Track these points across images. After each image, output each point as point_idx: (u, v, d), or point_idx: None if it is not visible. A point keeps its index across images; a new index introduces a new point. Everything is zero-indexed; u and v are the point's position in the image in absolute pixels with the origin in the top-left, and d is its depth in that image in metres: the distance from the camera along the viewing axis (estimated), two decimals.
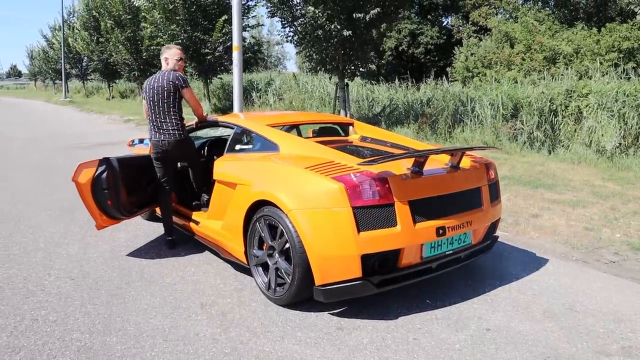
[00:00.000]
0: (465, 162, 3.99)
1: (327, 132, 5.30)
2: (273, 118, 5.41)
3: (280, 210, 3.53)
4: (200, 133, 6.00)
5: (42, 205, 6.59)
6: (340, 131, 5.44)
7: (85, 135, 14.90)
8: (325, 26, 12.45)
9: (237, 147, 4.57)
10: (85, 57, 41.67)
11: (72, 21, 44.59)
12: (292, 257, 3.49)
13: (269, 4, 13.89)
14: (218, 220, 4.35)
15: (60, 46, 41.78)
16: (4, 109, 30.76)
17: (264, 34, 56.93)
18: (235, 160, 4.40)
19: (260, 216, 3.75)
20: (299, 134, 5.49)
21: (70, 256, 4.71)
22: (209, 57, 21.45)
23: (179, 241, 5.07)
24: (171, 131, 4.63)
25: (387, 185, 3.36)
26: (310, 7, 12.30)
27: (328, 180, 3.37)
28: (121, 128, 17.12)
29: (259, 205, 3.78)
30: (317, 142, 4.41)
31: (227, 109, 22.34)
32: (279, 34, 14.96)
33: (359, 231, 3.26)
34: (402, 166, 3.65)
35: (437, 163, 3.98)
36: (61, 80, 46.08)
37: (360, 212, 3.28)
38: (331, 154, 3.89)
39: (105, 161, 4.37)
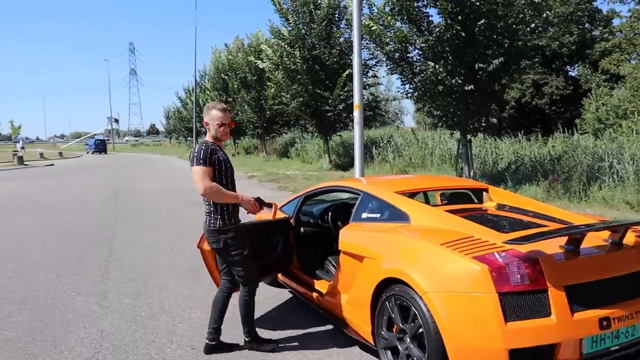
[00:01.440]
0: (630, 238, 3.40)
1: (459, 199, 4.86)
2: (400, 184, 5.09)
3: (414, 290, 3.17)
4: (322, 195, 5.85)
5: (169, 263, 6.77)
6: (474, 197, 4.95)
7: None
8: (446, 81, 12.21)
9: (364, 215, 4.27)
10: None
11: (204, 83, 48.07)
12: (427, 344, 3.10)
13: (388, 62, 13.94)
14: (343, 294, 4.06)
15: (193, 106, 44.88)
16: (141, 164, 33.33)
17: (381, 90, 57.53)
18: (362, 231, 4.09)
19: (391, 295, 3.40)
20: (426, 200, 5.17)
21: (193, 322, 4.69)
22: (329, 115, 21.89)
23: (300, 309, 4.90)
24: (205, 215, 3.94)
25: (538, 268, 2.92)
26: (430, 62, 12.15)
27: (468, 260, 2.99)
28: (244, 185, 17.68)
29: (388, 282, 3.43)
30: (448, 210, 4.05)
31: (346, 166, 22.49)
32: (397, 90, 14.90)
33: (506, 321, 2.82)
34: (554, 244, 3.14)
35: (594, 239, 3.38)
36: (192, 137, 49.29)
37: (508, 298, 2.86)
38: (469, 227, 3.50)
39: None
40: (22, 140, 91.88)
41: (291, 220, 5.01)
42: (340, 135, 25.14)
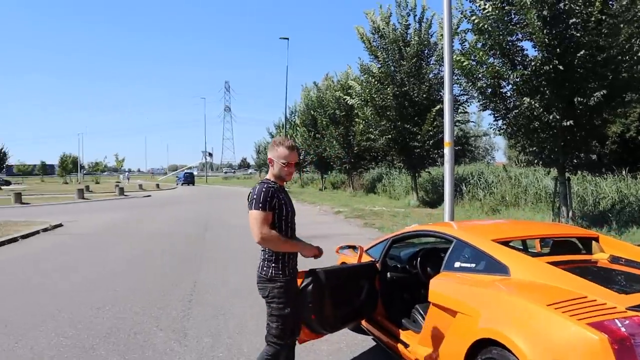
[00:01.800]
0: None
1: (564, 248, 4.16)
2: (497, 230, 4.54)
3: (515, 357, 2.74)
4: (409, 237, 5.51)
5: (250, 302, 6.66)
6: (580, 246, 4.33)
7: (298, 226, 15.47)
8: (542, 117, 11.59)
9: (457, 264, 3.88)
10: (303, 151, 45.20)
11: (293, 119, 49.19)
12: None
13: (480, 97, 13.51)
14: (432, 349, 3.69)
15: None
16: (231, 196, 34.22)
17: (470, 126, 56.31)
18: (455, 282, 3.68)
19: (487, 358, 2.99)
20: (524, 246, 4.73)
21: None
22: (417, 151, 21.52)
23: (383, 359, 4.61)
24: (259, 260, 3.60)
25: None
26: (525, 98, 11.60)
27: (583, 327, 2.53)
28: (330, 220, 17.62)
29: (484, 343, 3.03)
30: (553, 262, 3.54)
31: (434, 203, 21.92)
32: (489, 126, 14.33)
33: None
34: None
35: None
36: None
37: None
38: (580, 284, 3.01)
39: (312, 273, 4.04)
40: (127, 172, 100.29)
41: (377, 265, 4.75)
42: (429, 172, 24.63)
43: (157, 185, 59.19)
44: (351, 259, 5.16)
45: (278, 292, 3.46)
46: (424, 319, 4.02)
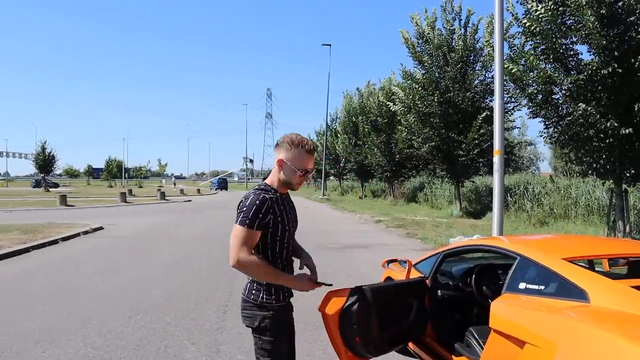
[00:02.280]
0: None
1: None
2: (567, 247, 3.93)
3: None
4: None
5: None
6: None
7: (336, 235, 15.20)
8: (598, 124, 10.93)
9: (522, 285, 3.33)
10: (343, 159, 44.97)
11: (334, 126, 48.97)
12: None
13: (530, 104, 12.91)
14: None
15: (323, 148, 45.70)
16: None
17: (514, 134, 55.01)
18: (522, 306, 3.10)
19: None
20: (591, 267, 4.16)
21: None
22: (461, 159, 20.90)
23: None
24: (247, 281, 2.83)
25: None
26: (580, 104, 10.96)
27: None
28: (371, 229, 17.20)
29: None
30: (635, 286, 2.95)
31: (477, 213, 21.25)
32: (540, 134, 13.67)
33: None
34: None
35: None
36: (321, 179, 50.10)
37: None
38: None
39: (358, 291, 3.61)
40: (174, 177, 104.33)
41: (427, 281, 4.33)
42: (473, 181, 23.94)
43: (198, 190, 59.85)
44: (398, 274, 4.76)
45: (270, 322, 2.72)
46: (479, 344, 3.57)
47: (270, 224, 2.65)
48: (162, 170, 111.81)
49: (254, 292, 2.73)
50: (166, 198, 39.72)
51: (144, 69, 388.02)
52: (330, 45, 42.45)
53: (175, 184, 68.76)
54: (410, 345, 4.44)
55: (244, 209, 2.61)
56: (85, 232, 15.14)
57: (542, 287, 3.19)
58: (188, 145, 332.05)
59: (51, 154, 68.79)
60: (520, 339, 2.86)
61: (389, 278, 5.15)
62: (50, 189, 59.19)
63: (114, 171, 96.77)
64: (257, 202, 2.61)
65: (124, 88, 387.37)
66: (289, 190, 2.89)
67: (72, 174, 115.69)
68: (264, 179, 2.95)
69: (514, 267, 3.45)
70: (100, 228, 16.47)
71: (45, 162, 67.90)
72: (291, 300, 2.88)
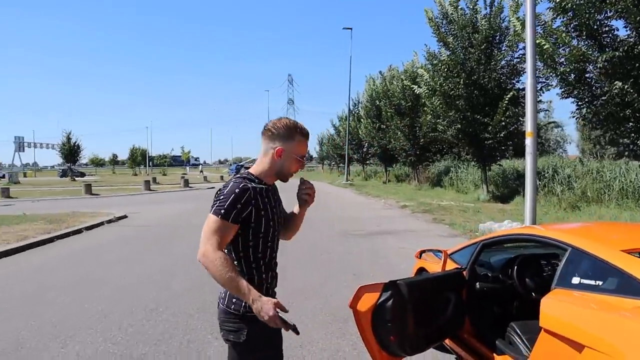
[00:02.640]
0: None
1: None
2: (625, 236, 3.51)
3: None
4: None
5: (314, 307, 6.09)
6: None
7: (361, 221, 14.90)
8: (635, 103, 10.44)
9: (575, 280, 2.96)
10: (366, 143, 44.52)
11: (357, 111, 48.48)
12: None
13: (561, 84, 12.42)
14: None
15: (346, 133, 45.30)
16: (292, 188, 33.82)
17: (540, 117, 53.87)
18: (577, 305, 2.77)
19: None
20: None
21: None
22: (488, 142, 20.34)
23: None
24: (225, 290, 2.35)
25: None
26: (616, 82, 10.47)
27: None
28: (396, 215, 16.87)
29: None
30: None
31: (505, 197, 20.76)
32: (572, 115, 13.18)
33: None
34: None
35: None
36: (344, 164, 49.75)
37: None
38: None
39: (392, 286, 3.36)
40: (202, 164, 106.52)
41: (464, 273, 4.03)
42: (500, 165, 23.38)
43: (222, 177, 60.00)
44: (431, 264, 4.47)
45: (259, 333, 2.31)
46: (523, 341, 3.27)
47: (251, 218, 2.29)
48: (185, 158, 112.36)
49: (234, 299, 2.30)
50: (190, 185, 39.83)
51: (169, 56, 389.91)
52: (351, 29, 41.97)
53: (202, 171, 70.23)
54: (447, 340, 4.15)
55: (221, 197, 2.28)
56: (109, 221, 15.11)
57: (600, 283, 2.82)
58: (211, 133, 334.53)
59: (76, 143, 69.68)
60: (577, 341, 2.53)
61: (421, 269, 4.86)
62: (76, 178, 59.91)
63: (139, 159, 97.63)
64: (237, 190, 2.26)
65: (147, 77, 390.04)
66: (276, 182, 2.56)
67: (97, 162, 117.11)
68: (246, 168, 2.61)
69: (564, 259, 3.09)
70: (124, 217, 16.44)
71: (70, 151, 68.84)
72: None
